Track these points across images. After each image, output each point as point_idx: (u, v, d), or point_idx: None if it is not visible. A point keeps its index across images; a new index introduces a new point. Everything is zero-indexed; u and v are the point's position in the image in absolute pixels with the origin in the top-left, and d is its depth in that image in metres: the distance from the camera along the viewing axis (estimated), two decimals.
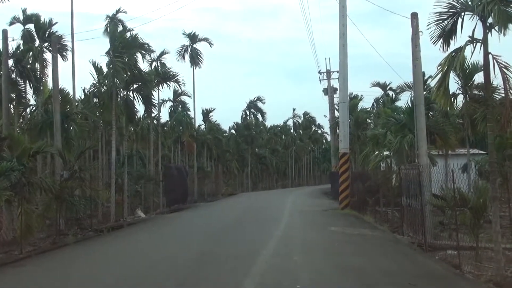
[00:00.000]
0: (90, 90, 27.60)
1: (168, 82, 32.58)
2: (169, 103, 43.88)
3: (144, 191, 29.44)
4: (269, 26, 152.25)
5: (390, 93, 44.65)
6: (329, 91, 45.91)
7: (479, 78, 18.67)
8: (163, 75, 31.78)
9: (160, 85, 31.59)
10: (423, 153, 14.94)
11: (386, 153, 20.96)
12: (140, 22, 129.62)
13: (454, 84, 20.10)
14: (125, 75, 23.37)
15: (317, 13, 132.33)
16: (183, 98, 43.34)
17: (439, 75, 10.21)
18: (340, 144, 22.92)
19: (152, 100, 26.24)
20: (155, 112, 32.46)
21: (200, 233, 15.17)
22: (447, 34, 10.32)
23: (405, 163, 16.77)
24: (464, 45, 9.78)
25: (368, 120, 38.26)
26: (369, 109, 42.67)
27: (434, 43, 10.55)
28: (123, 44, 23.02)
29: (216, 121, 53.48)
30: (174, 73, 32.14)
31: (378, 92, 48.45)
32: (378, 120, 37.36)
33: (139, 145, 40.42)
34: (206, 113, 52.90)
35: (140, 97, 25.14)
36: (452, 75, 20.33)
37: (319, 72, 47.04)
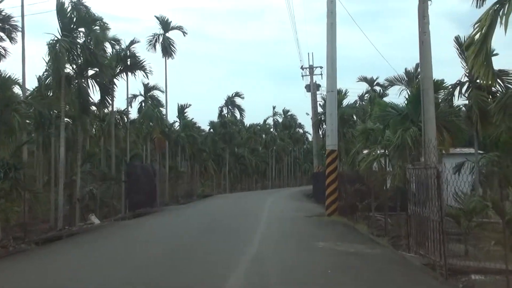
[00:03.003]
0: (43, 77, 24.64)
1: (134, 71, 29.05)
2: (141, 99, 40.85)
3: (101, 193, 25.85)
4: (251, 27, 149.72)
5: (377, 88, 42.73)
6: (311, 87, 43.63)
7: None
8: (125, 59, 28.02)
9: (124, 74, 28.11)
10: (433, 149, 11.99)
11: (380, 151, 18.09)
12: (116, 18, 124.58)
13: (461, 69, 17.54)
14: (79, 58, 20.18)
15: (301, 14, 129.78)
16: (156, 93, 40.17)
17: (477, 36, 7.25)
18: (326, 139, 19.77)
19: (111, 89, 22.92)
20: (116, 104, 29.18)
21: (155, 248, 11.88)
22: None
23: (407, 162, 13.83)
24: None
25: (354, 116, 35.68)
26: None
27: None
28: (76, 20, 19.65)
29: (192, 118, 50.64)
30: (140, 60, 28.54)
31: (362, 90, 46.65)
32: (364, 116, 34.96)
33: (107, 142, 37.17)
34: (181, 109, 49.89)
35: (97, 85, 21.84)
36: (459, 61, 17.67)
37: (302, 68, 44.72)
